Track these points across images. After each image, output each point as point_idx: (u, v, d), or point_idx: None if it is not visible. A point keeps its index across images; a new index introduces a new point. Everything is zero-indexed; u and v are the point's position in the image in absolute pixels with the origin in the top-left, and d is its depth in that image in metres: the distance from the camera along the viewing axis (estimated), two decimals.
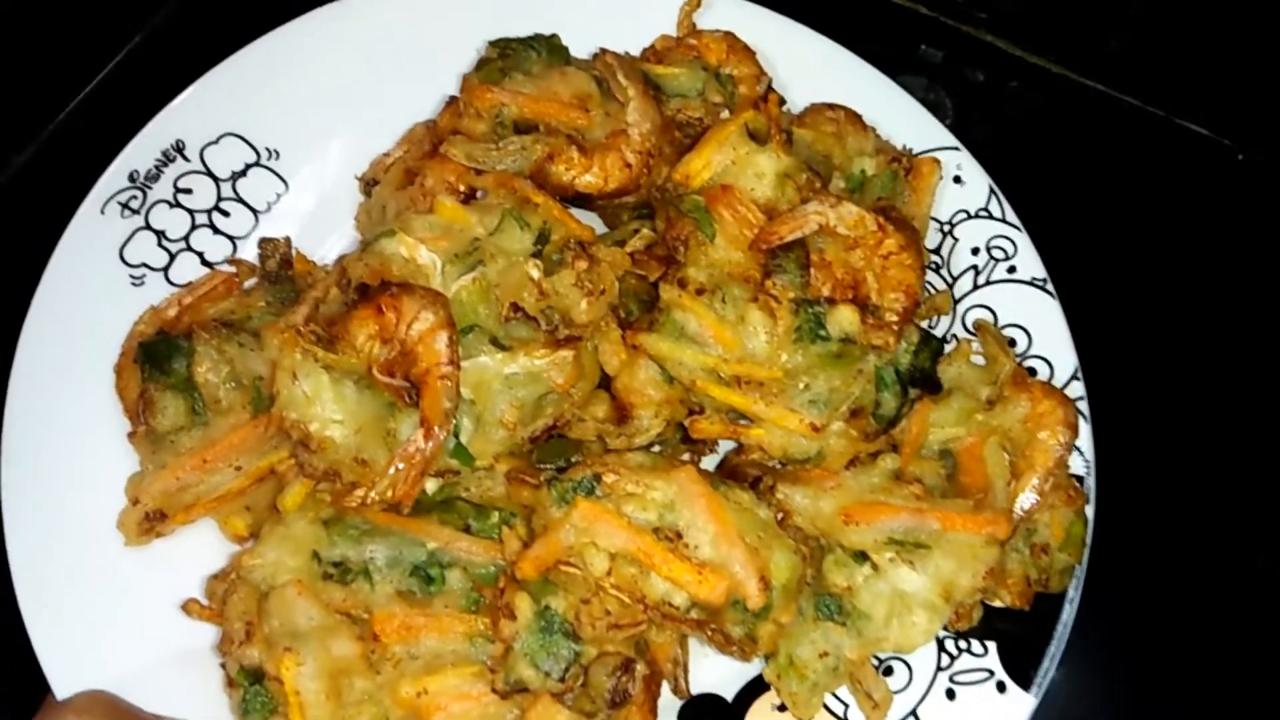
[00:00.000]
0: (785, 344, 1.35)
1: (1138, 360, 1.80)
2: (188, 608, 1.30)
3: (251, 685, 1.23)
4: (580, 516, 1.24)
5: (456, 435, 1.31)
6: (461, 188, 1.47)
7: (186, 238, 1.61)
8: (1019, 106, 1.95)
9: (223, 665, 1.27)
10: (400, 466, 1.25)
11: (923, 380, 1.39)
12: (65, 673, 1.30)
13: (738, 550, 1.26)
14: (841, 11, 1.71)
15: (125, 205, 1.59)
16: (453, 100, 1.56)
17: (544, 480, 1.29)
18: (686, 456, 1.49)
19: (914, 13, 2.00)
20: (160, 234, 1.60)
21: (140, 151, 1.61)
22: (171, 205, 1.62)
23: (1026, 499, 1.42)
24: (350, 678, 1.23)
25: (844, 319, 1.35)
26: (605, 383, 1.44)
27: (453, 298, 1.33)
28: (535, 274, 1.32)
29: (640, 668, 1.26)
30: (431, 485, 1.32)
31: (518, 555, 1.25)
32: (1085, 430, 1.54)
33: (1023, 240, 1.69)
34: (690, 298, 1.36)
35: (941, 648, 1.44)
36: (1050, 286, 1.66)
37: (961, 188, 1.73)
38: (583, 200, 1.53)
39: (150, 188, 1.61)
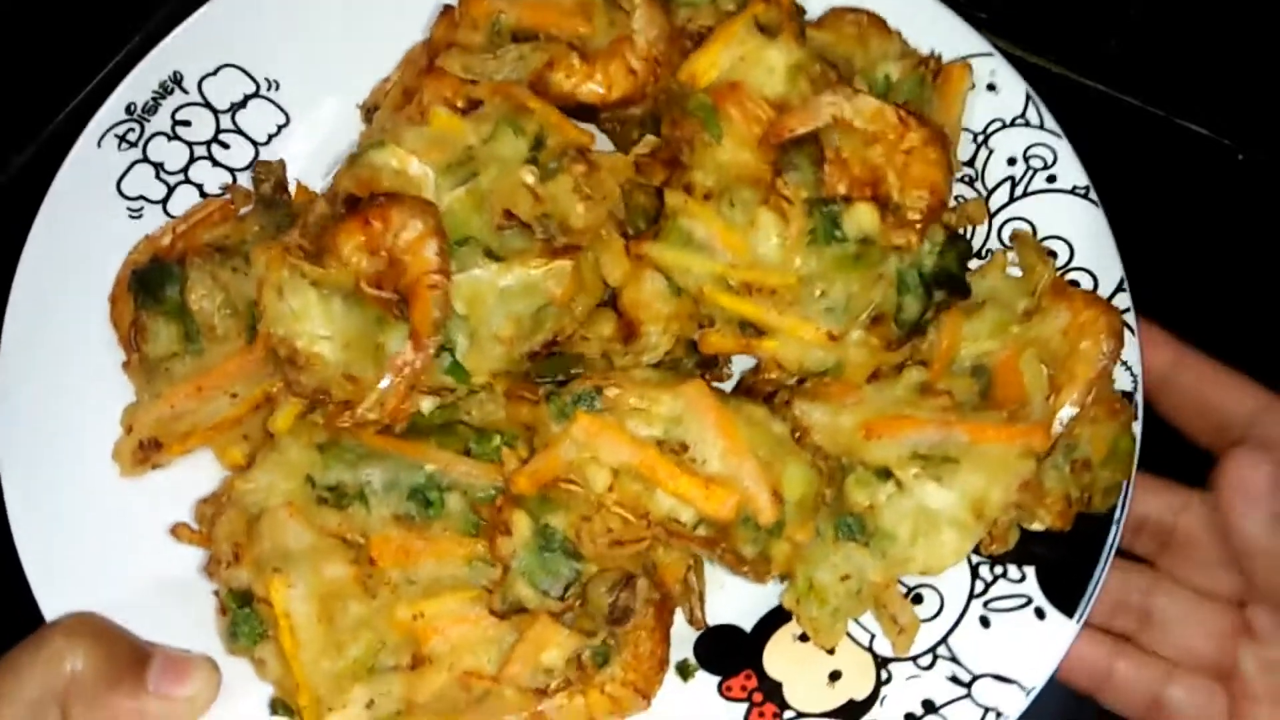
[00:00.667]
0: (798, 247, 1.26)
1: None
2: (177, 531, 1.27)
3: (240, 608, 1.18)
4: (580, 430, 1.17)
5: (451, 352, 1.24)
6: (459, 102, 1.40)
7: (185, 170, 1.57)
8: None
9: (216, 593, 1.23)
10: (390, 380, 1.19)
11: (949, 282, 1.29)
12: (56, 598, 1.27)
13: (748, 464, 1.18)
14: None
15: (122, 138, 1.55)
16: (447, 10, 1.49)
17: (543, 395, 1.22)
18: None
19: None
20: (158, 166, 1.56)
21: (137, 84, 1.58)
22: (170, 138, 1.58)
23: (1067, 412, 1.31)
24: (344, 601, 1.18)
25: (862, 218, 1.26)
26: (612, 301, 1.37)
27: (445, 210, 1.26)
28: (530, 179, 1.26)
29: (645, 587, 1.19)
30: (427, 404, 1.26)
31: (515, 471, 1.18)
32: (1132, 342, 1.43)
33: (1063, 147, 1.58)
34: (697, 202, 1.28)
35: (975, 574, 1.35)
36: (1094, 195, 1.55)
37: (996, 95, 1.62)
38: (587, 113, 1.45)
39: (148, 120, 1.57)
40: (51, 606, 1.27)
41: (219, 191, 1.55)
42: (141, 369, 1.36)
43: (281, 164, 1.51)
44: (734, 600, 1.36)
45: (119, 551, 1.32)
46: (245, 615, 1.18)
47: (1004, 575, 1.34)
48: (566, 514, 1.18)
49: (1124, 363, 1.42)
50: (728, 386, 1.45)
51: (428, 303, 1.19)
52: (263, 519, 1.19)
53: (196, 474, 1.37)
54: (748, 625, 1.36)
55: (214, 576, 1.20)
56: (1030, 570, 1.33)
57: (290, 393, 1.23)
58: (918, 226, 1.26)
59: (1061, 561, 1.33)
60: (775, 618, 1.35)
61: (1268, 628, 1.29)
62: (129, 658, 1.19)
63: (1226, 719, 1.31)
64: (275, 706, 1.21)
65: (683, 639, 1.33)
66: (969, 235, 1.54)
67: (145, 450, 1.33)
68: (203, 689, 1.20)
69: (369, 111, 1.61)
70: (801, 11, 1.63)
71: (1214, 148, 1.90)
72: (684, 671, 1.32)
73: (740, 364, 1.43)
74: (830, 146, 1.28)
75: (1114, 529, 1.33)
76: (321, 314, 1.22)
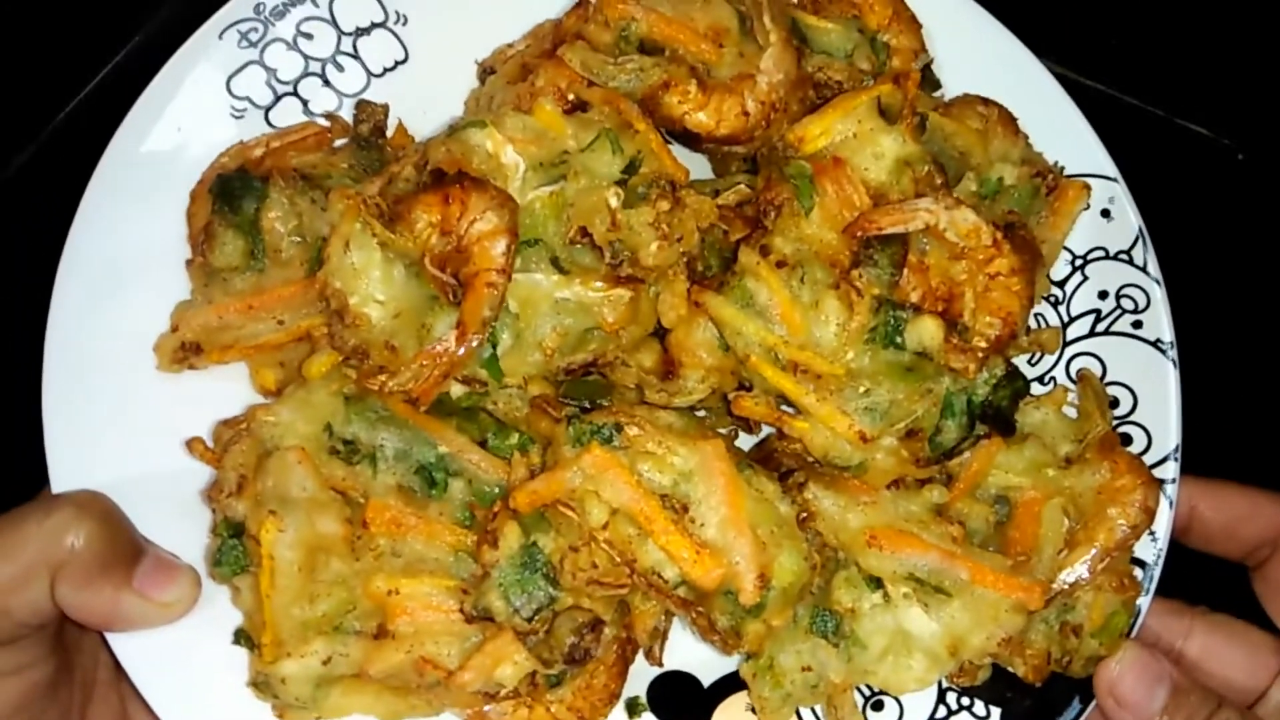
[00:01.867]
0: (855, 341, 1.25)
1: None
2: (191, 445, 1.31)
3: (230, 538, 1.22)
4: (590, 462, 1.19)
5: (493, 346, 1.26)
6: (570, 96, 1.39)
7: (296, 83, 1.58)
8: None
9: (212, 513, 1.27)
10: (425, 363, 1.21)
11: (995, 419, 1.27)
12: (68, 471, 1.32)
13: (744, 540, 1.18)
14: None
15: (244, 36, 1.57)
16: (582, 1, 1.48)
17: (565, 416, 1.23)
18: (725, 431, 1.41)
19: None
20: (272, 72, 1.57)
21: None
22: (289, 47, 1.58)
23: (1073, 573, 1.30)
24: (328, 556, 1.22)
25: (926, 331, 1.24)
26: (661, 334, 1.37)
27: (525, 206, 1.27)
28: (613, 202, 1.25)
29: (613, 630, 1.20)
30: (457, 390, 1.28)
31: (519, 484, 1.20)
32: (1166, 516, 1.40)
33: (1159, 296, 1.53)
34: (768, 268, 1.26)
35: (941, 699, 1.35)
36: (1174, 354, 1.50)
37: (1108, 223, 1.57)
38: (691, 139, 1.43)
39: (273, 24, 1.58)
40: (60, 477, 1.32)
41: (322, 113, 1.57)
42: (202, 272, 1.39)
43: (385, 108, 1.51)
44: (697, 651, 1.38)
45: (138, 443, 1.36)
46: (232, 545, 1.22)
47: (969, 708, 1.34)
48: (556, 538, 1.19)
49: (1151, 533, 1.39)
50: (750, 443, 1.45)
51: (482, 299, 1.20)
52: (272, 458, 1.23)
53: (227, 384, 1.40)
54: (706, 680, 1.38)
55: (214, 501, 1.24)
56: (996, 712, 1.33)
57: (330, 344, 1.25)
58: (980, 354, 1.24)
59: (1027, 712, 1.33)
60: (734, 681, 1.37)
61: None
62: (125, 548, 1.24)
63: None
64: (238, 636, 1.26)
65: (638, 675, 1.35)
66: (1036, 361, 1.51)
67: (186, 351, 1.37)
68: (181, 598, 1.24)
69: (485, 72, 1.60)
70: (936, 85, 1.60)
71: (1214, 148, 1.93)
72: (633, 709, 1.34)
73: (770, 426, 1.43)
74: (916, 251, 1.26)
75: (1078, 703, 1.32)
76: (381, 277, 1.23)
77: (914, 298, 1.25)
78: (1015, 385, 1.28)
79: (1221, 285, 1.82)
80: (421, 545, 1.24)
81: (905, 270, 1.25)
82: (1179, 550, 1.42)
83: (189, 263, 1.43)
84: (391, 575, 1.22)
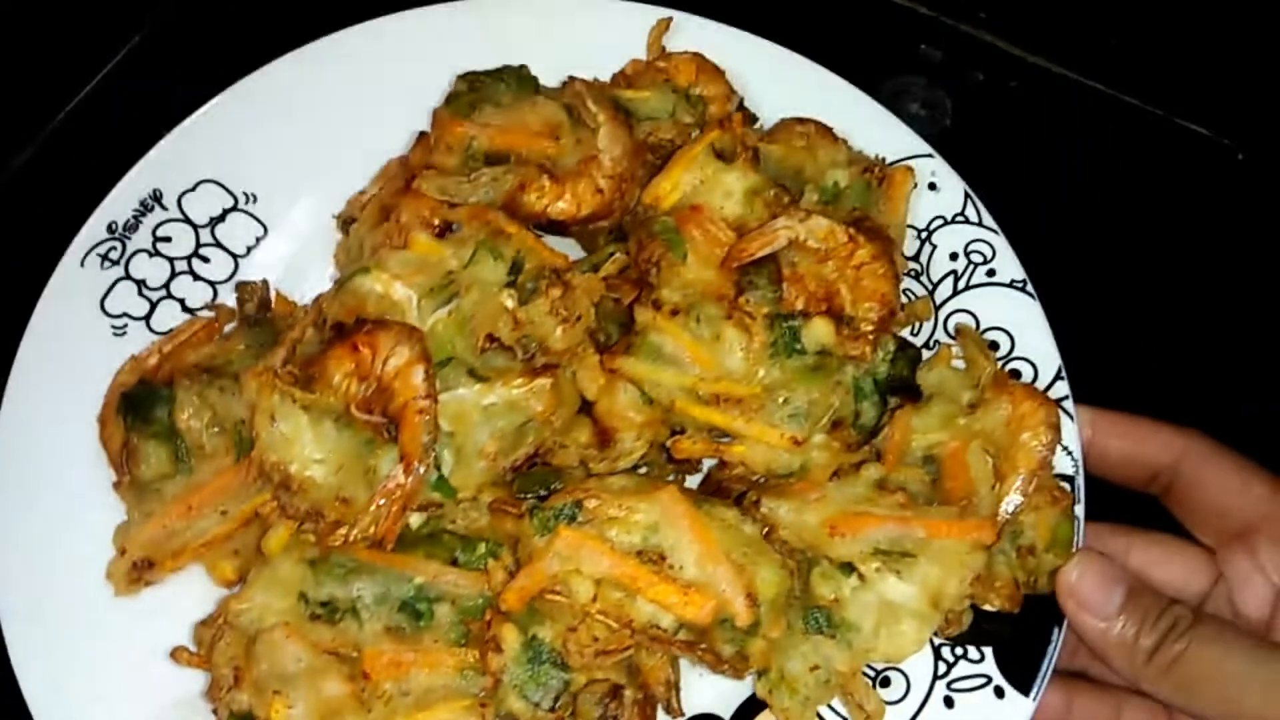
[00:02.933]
0: (762, 359, 1.35)
1: (1139, 361, 1.79)
2: (176, 655, 1.31)
3: None
4: (563, 545, 1.24)
5: (438, 468, 1.31)
6: (436, 222, 1.48)
7: (167, 285, 1.62)
8: (1019, 106, 1.93)
9: (214, 712, 1.27)
10: (381, 503, 1.25)
11: (902, 388, 1.39)
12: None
13: (723, 568, 1.25)
14: (841, 11, 1.70)
15: (105, 256, 1.60)
16: (423, 135, 1.57)
17: (526, 509, 1.29)
18: (672, 477, 1.49)
19: (914, 12, 1.99)
20: (140, 283, 1.61)
21: (118, 202, 1.63)
22: (151, 254, 1.62)
23: (1011, 502, 1.41)
24: (342, 717, 1.23)
25: (819, 331, 1.36)
26: (586, 408, 1.44)
27: (429, 332, 1.33)
28: (510, 304, 1.33)
29: (630, 692, 1.25)
30: (415, 520, 1.32)
31: (503, 587, 1.25)
32: (1071, 429, 1.53)
33: (1000, 243, 1.69)
34: (665, 318, 1.36)
35: (938, 655, 1.43)
36: (1030, 288, 1.66)
37: (937, 194, 1.73)
38: (558, 227, 1.54)
39: (129, 238, 1.62)
40: None
41: (201, 305, 1.61)
42: (132, 489, 1.40)
43: (264, 284, 1.56)
44: (711, 688, 1.43)
45: (118, 673, 1.35)
46: None
47: (965, 656, 1.43)
48: (553, 625, 1.24)
49: (1064, 447, 1.52)
50: (696, 479, 1.53)
51: (417, 428, 1.25)
52: (260, 641, 1.24)
53: (188, 588, 1.41)
54: (726, 713, 1.43)
55: (216, 700, 1.24)
56: (989, 650, 1.42)
57: (283, 515, 1.28)
58: (870, 337, 1.36)
59: (1016, 641, 1.43)
60: (753, 705, 1.42)
61: None
62: None
63: None
64: None
65: None
66: (918, 329, 1.65)
67: (139, 570, 1.37)
68: None
69: (346, 223, 1.67)
70: (754, 119, 1.75)
71: (1214, 147, 1.91)
72: None
73: (710, 460, 1.51)
74: (787, 265, 1.38)
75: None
76: (313, 438, 1.27)
77: (800, 305, 1.37)
78: (909, 354, 1.40)
79: (1221, 285, 1.83)
80: (426, 676, 1.26)
81: (784, 284, 1.37)
82: (1097, 489, 1.47)
83: (116, 485, 1.43)
84: (408, 714, 1.24)
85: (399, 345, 1.27)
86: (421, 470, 1.25)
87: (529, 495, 1.34)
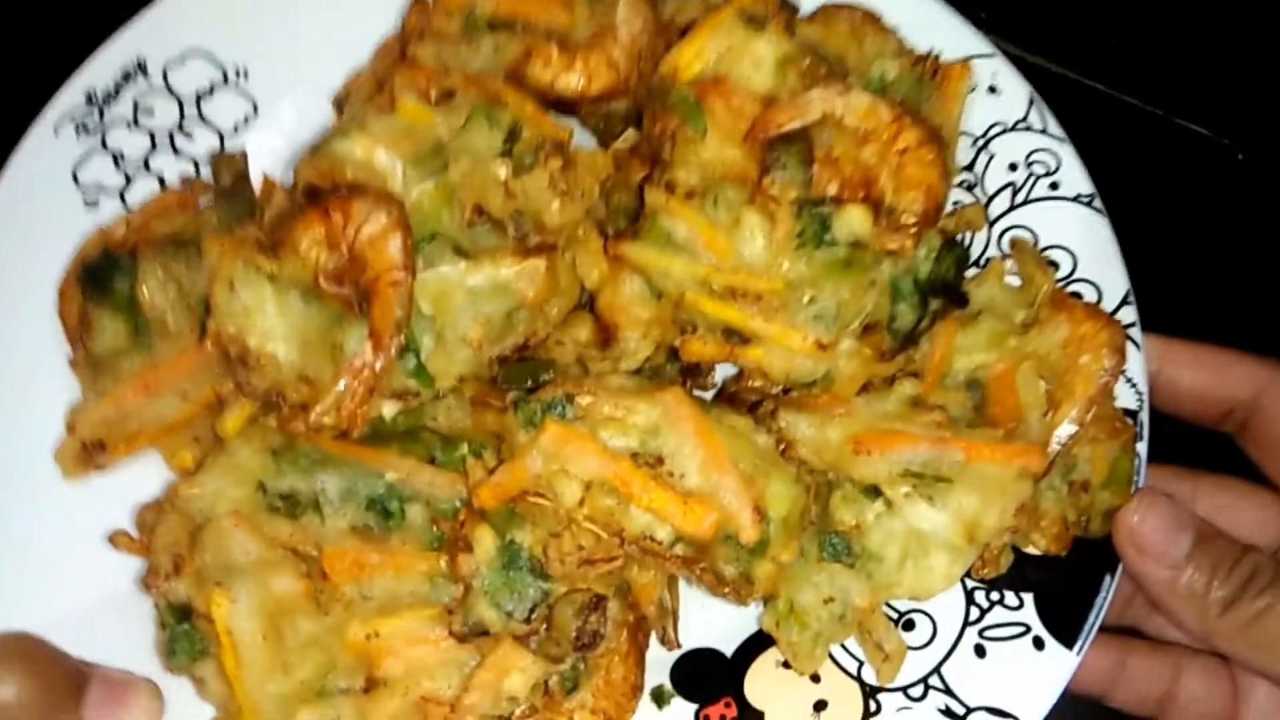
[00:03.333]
0: (786, 250, 1.19)
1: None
2: (115, 539, 1.19)
3: (179, 624, 1.10)
4: (549, 440, 1.10)
5: (416, 354, 1.17)
6: (433, 93, 1.33)
7: (145, 160, 1.50)
8: None
9: (155, 606, 1.15)
10: (347, 383, 1.11)
11: (945, 290, 1.22)
12: None
13: (729, 478, 1.11)
14: None
15: (81, 125, 1.48)
16: None
17: (510, 402, 1.15)
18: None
19: None
20: (117, 155, 1.49)
21: (99, 71, 1.51)
22: (131, 126, 1.50)
23: (1065, 431, 1.25)
24: (293, 618, 1.11)
25: (853, 221, 1.19)
26: (588, 303, 1.30)
27: (413, 204, 1.19)
28: (502, 173, 1.18)
29: (618, 611, 1.11)
30: (389, 409, 1.19)
31: (480, 484, 1.11)
32: (1137, 358, 1.36)
33: (1067, 153, 1.52)
34: (678, 201, 1.21)
35: (970, 600, 1.28)
36: (1099, 203, 1.49)
37: (997, 98, 1.56)
38: (567, 107, 1.38)
39: (108, 107, 1.50)
40: None
41: (179, 177, 1.48)
42: (87, 365, 1.28)
43: (242, 155, 1.44)
44: (715, 622, 1.29)
45: (58, 561, 1.24)
46: (184, 631, 1.11)
47: (1000, 602, 1.27)
48: (534, 530, 1.10)
49: (1128, 379, 1.35)
50: (710, 395, 1.38)
51: (390, 301, 1.11)
52: (206, 528, 1.12)
53: (144, 478, 1.29)
54: (729, 650, 1.29)
55: (152, 589, 1.12)
56: (1029, 597, 1.26)
57: (241, 394, 1.15)
58: (912, 231, 1.19)
59: (1061, 589, 1.26)
60: (759, 642, 1.28)
61: None
62: (65, 682, 1.11)
63: (1232, 700, 1.27)
64: None
65: (659, 663, 1.26)
66: (966, 242, 1.48)
67: (89, 452, 1.25)
68: (143, 714, 1.12)
69: (340, 103, 1.53)
70: (794, 9, 1.58)
71: (1214, 147, 1.90)
72: (659, 698, 1.24)
73: (724, 370, 1.36)
74: (820, 145, 1.21)
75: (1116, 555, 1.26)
76: (276, 310, 1.14)
77: (832, 191, 1.20)
78: (955, 253, 1.23)
79: (1221, 285, 1.81)
80: (392, 581, 1.13)
81: (815, 166, 1.20)
82: (1160, 427, 1.36)
83: (72, 362, 1.32)
84: (367, 619, 1.11)
85: (375, 211, 1.13)
86: (392, 348, 1.11)
87: (515, 387, 1.19)
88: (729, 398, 1.29)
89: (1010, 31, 1.80)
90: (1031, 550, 1.28)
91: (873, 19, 1.50)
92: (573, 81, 1.33)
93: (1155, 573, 1.17)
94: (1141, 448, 1.32)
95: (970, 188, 1.53)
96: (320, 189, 1.17)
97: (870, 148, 1.22)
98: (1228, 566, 1.14)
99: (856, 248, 1.19)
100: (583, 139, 1.49)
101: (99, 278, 1.29)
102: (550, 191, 1.18)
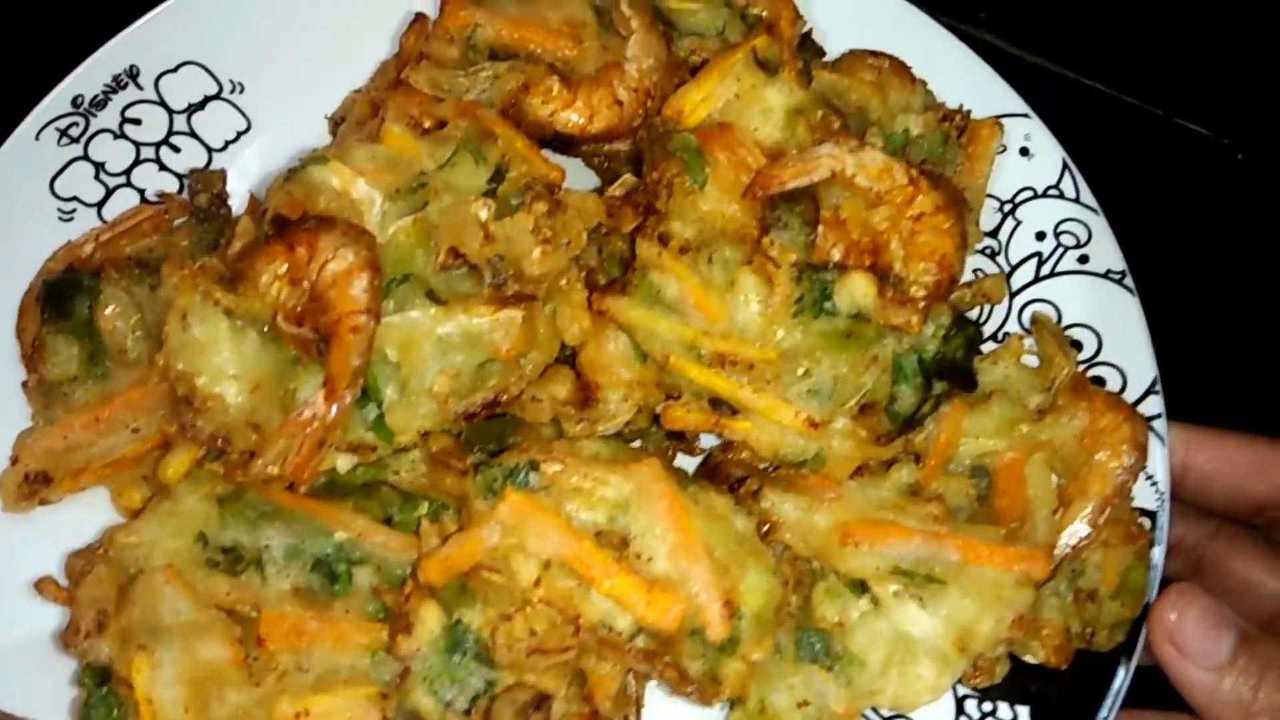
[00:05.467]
0: (782, 318, 1.10)
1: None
2: (41, 587, 1.11)
3: (98, 687, 1.02)
4: (508, 512, 1.02)
5: (378, 404, 1.09)
6: (426, 122, 1.26)
7: (128, 172, 1.44)
8: None
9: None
10: (294, 434, 1.03)
11: (953, 373, 1.13)
12: None
13: (700, 566, 1.01)
14: None
15: (64, 132, 1.42)
16: (419, 18, 1.35)
17: (470, 465, 1.06)
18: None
19: None
20: (99, 166, 1.43)
21: (88, 76, 1.45)
22: (116, 136, 1.45)
23: (1074, 533, 1.15)
24: (220, 688, 1.02)
25: (857, 290, 1.10)
26: (571, 359, 1.21)
27: (389, 240, 1.12)
28: (483, 214, 1.10)
29: (568, 705, 1.02)
30: (344, 463, 1.11)
31: (427, 556, 1.02)
32: (1160, 454, 1.26)
33: (1100, 225, 1.43)
34: (671, 255, 1.12)
35: (960, 710, 1.17)
36: (1129, 281, 1.39)
37: (1029, 161, 1.47)
38: (565, 144, 1.30)
39: (94, 115, 1.44)
40: None
41: (155, 193, 1.42)
42: (39, 391, 1.22)
43: (221, 174, 1.37)
44: (680, 714, 1.19)
45: None
46: (102, 696, 1.03)
47: (993, 714, 1.17)
48: (484, 609, 1.01)
49: (1149, 476, 1.25)
50: (697, 460, 1.29)
51: (349, 347, 1.03)
52: (136, 583, 1.04)
53: (90, 514, 1.22)
54: None
55: (71, 647, 1.04)
56: (1024, 711, 1.16)
57: (185, 437, 1.08)
58: (921, 305, 1.10)
59: (1061, 703, 1.16)
60: None
61: None
62: None
63: None
64: None
65: None
66: (985, 316, 1.38)
67: (32, 484, 1.18)
68: None
69: (337, 124, 1.47)
70: (819, 52, 1.50)
71: (1214, 147, 1.89)
72: None
73: (713, 435, 1.27)
74: (828, 205, 1.13)
75: (1121, 673, 1.16)
76: (231, 349, 1.07)
77: (836, 256, 1.11)
78: (967, 332, 1.14)
79: (1221, 285, 1.78)
80: (330, 653, 1.05)
81: (820, 228, 1.11)
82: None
83: (24, 384, 1.25)
84: (299, 695, 1.02)
85: (342, 248, 1.06)
86: (347, 400, 1.03)
87: (479, 448, 1.11)
88: (713, 469, 1.20)
89: (1010, 31, 1.83)
90: (1030, 659, 1.17)
91: (900, 68, 1.42)
92: (573, 118, 1.26)
93: (1197, 676, 1.07)
94: (1158, 553, 1.21)
95: (993, 255, 1.44)
96: (287, 219, 1.09)
97: (882, 211, 1.14)
98: (1276, 673, 1.04)
99: (858, 320, 1.11)
100: (586, 176, 1.42)
101: (58, 297, 1.23)
102: (533, 237, 1.10)
